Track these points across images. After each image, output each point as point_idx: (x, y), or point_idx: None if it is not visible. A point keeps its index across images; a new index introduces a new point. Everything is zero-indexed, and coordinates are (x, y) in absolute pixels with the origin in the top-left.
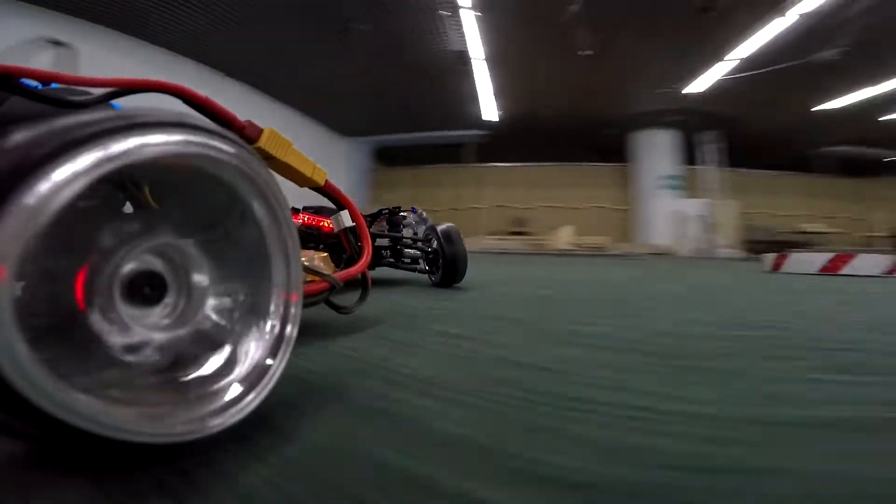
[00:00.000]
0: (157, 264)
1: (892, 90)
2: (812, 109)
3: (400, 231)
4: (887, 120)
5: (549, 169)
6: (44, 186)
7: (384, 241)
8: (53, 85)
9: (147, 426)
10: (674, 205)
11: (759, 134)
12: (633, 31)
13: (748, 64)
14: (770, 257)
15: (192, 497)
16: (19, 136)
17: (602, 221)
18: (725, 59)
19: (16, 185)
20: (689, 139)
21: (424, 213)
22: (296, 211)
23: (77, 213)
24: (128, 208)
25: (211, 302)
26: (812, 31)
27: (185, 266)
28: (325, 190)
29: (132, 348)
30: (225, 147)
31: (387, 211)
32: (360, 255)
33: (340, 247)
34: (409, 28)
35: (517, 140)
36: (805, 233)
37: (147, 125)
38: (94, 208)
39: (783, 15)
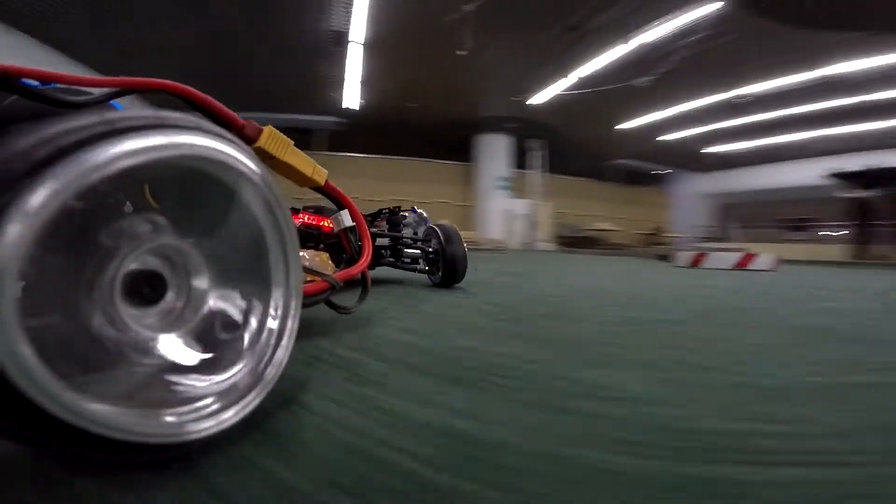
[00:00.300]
0: (157, 264)
1: (667, 117)
2: (615, 127)
3: (400, 231)
4: (661, 140)
5: (401, 163)
6: (44, 189)
7: (384, 241)
8: (53, 85)
9: (147, 426)
10: (505, 204)
11: (573, 144)
12: (509, 39)
13: (583, 82)
14: (687, 255)
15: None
16: (19, 139)
17: (446, 215)
18: (569, 75)
19: (17, 188)
20: (521, 145)
21: (424, 213)
22: (296, 211)
23: (76, 213)
24: (128, 208)
25: (211, 302)
26: (639, 60)
27: (184, 266)
28: (326, 190)
29: (133, 348)
30: (222, 147)
31: (387, 211)
32: (360, 255)
33: (340, 246)
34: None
35: (373, 132)
36: (598, 230)
37: (149, 127)
38: (94, 209)
39: (626, 42)
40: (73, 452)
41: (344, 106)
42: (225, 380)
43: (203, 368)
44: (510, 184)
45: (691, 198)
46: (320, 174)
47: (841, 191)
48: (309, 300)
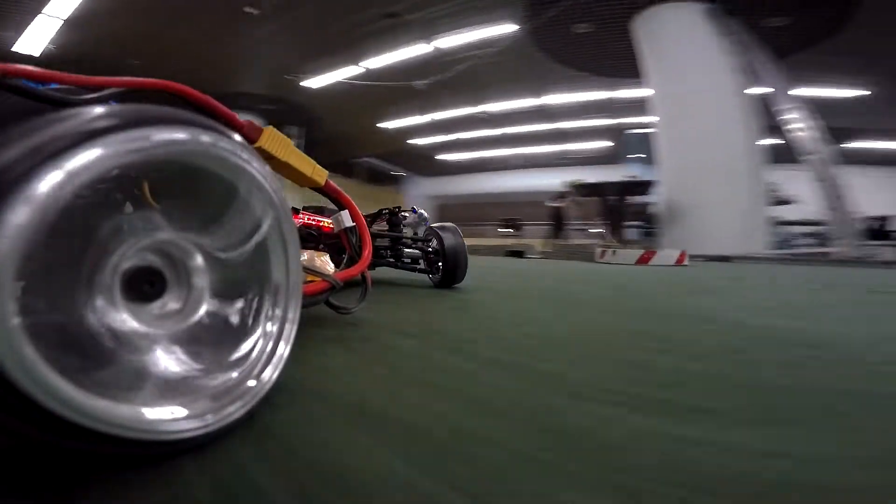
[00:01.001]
0: (156, 261)
1: (423, 122)
2: (377, 125)
3: (400, 231)
4: (411, 143)
5: None
6: (43, 185)
7: (384, 241)
8: (53, 85)
9: (147, 423)
10: None
11: (331, 137)
12: (315, 9)
13: (369, 74)
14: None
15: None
16: (16, 134)
17: None
18: (360, 64)
19: (16, 185)
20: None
21: (425, 213)
22: (296, 211)
23: (76, 209)
24: (127, 207)
25: (210, 299)
26: (428, 62)
27: (184, 263)
28: (326, 190)
29: (132, 344)
30: (223, 143)
31: (387, 211)
32: (360, 255)
33: (341, 247)
34: None
35: None
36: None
37: (152, 120)
38: (93, 205)
39: (428, 42)
40: (70, 448)
41: (17, 49)
42: (224, 378)
43: (201, 367)
44: None
45: (420, 198)
46: (320, 174)
47: (549, 199)
48: (309, 300)
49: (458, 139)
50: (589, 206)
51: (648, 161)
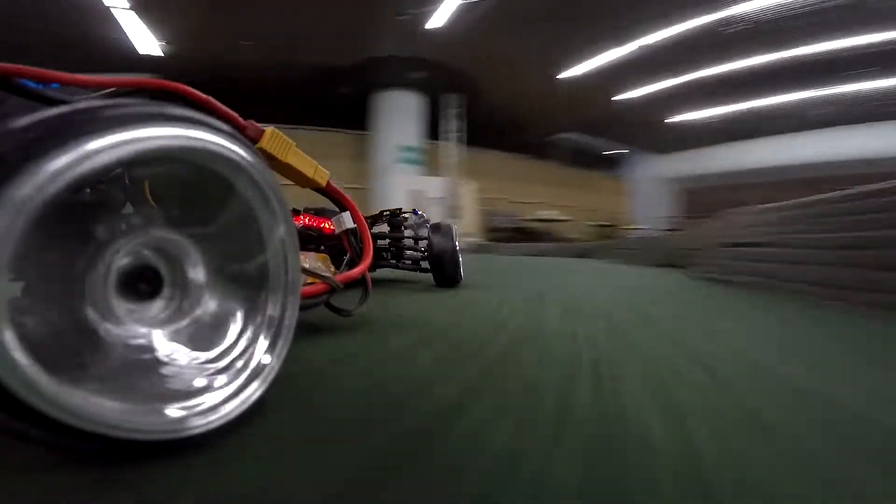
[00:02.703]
0: (152, 259)
1: (627, 57)
2: (556, 76)
3: (401, 232)
4: (619, 100)
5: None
6: (36, 179)
7: (385, 243)
8: (54, 85)
9: (144, 421)
10: (412, 182)
11: (500, 105)
12: None
13: None
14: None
15: None
16: (11, 128)
17: (326, 205)
18: None
19: (9, 177)
20: (434, 106)
21: (426, 215)
22: (296, 212)
23: (71, 207)
24: (127, 207)
25: (208, 297)
26: None
27: (180, 261)
28: (327, 191)
29: (129, 344)
30: (221, 141)
31: (388, 212)
32: (361, 257)
33: (341, 248)
34: None
35: (218, 89)
36: (542, 220)
37: (152, 117)
38: (89, 202)
39: None
40: (64, 446)
41: (142, 52)
42: (225, 373)
43: (198, 365)
44: (420, 156)
45: (651, 183)
46: (322, 175)
47: None
48: (309, 302)
49: (700, 80)
50: None
51: None
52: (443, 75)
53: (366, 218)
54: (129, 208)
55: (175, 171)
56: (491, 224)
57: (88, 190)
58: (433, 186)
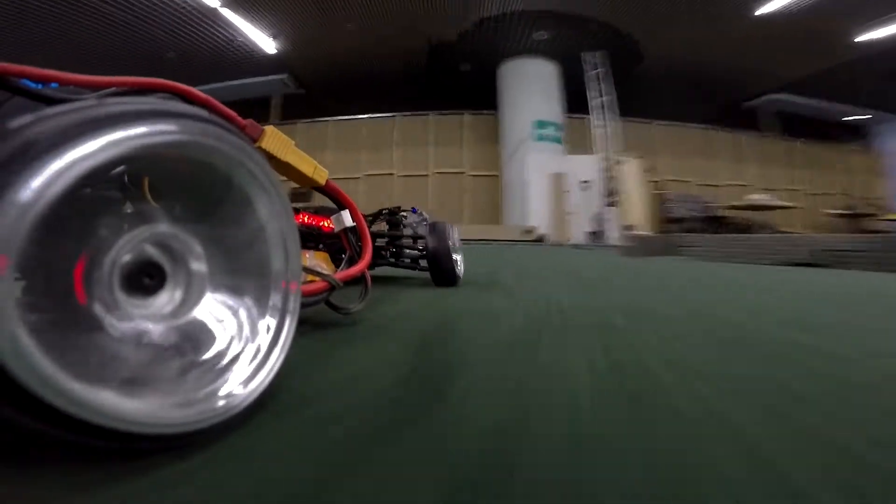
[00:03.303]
0: (155, 254)
1: None
2: (754, 14)
3: (400, 231)
4: (863, 41)
5: (379, 123)
6: (41, 176)
7: (384, 241)
8: (53, 85)
9: (146, 417)
10: (552, 164)
11: (671, 67)
12: None
13: None
14: None
15: None
16: (17, 125)
17: (451, 195)
18: None
19: (14, 174)
20: (569, 73)
21: (425, 213)
22: (296, 211)
23: (74, 203)
24: (127, 206)
25: (211, 291)
26: None
27: (183, 255)
28: (326, 189)
29: (134, 338)
30: (222, 135)
31: (387, 211)
32: (360, 255)
33: (341, 247)
34: None
35: (332, 84)
36: (748, 207)
37: (153, 113)
38: (91, 198)
39: None
40: (74, 442)
41: (266, 52)
42: (228, 368)
43: (200, 359)
44: (560, 133)
45: None
46: (321, 174)
47: None
48: (309, 301)
49: None
50: None
51: None
52: (575, 29)
53: (365, 216)
54: (129, 206)
55: (175, 167)
56: (668, 212)
57: (88, 189)
58: (581, 168)
